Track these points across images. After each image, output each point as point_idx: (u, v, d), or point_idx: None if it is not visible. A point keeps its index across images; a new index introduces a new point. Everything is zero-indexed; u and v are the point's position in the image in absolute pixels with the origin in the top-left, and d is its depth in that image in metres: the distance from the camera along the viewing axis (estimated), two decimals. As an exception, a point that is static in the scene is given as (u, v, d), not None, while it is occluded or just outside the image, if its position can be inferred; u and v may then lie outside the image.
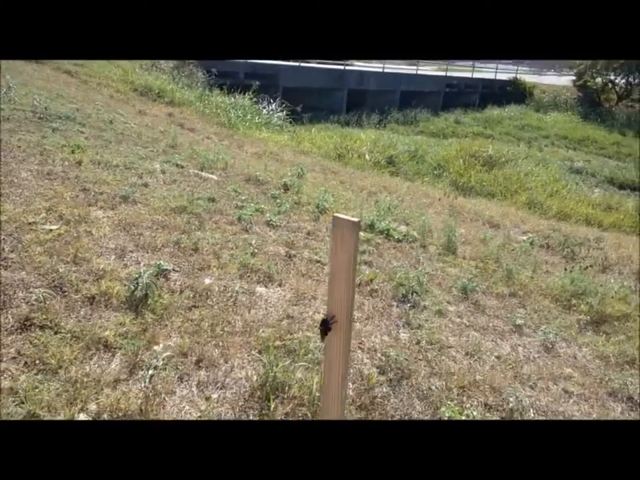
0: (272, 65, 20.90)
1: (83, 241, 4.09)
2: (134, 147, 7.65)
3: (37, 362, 2.73)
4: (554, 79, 33.80)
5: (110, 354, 2.95)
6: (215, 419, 2.61)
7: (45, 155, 6.00)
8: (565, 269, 5.94)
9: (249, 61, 20.33)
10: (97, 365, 2.82)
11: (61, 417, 2.38)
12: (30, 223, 4.18)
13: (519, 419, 3.22)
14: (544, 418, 3.29)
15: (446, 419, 3.00)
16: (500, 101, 27.42)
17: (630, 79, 28.54)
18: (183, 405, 2.69)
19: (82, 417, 2.42)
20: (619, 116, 26.17)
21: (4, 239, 3.84)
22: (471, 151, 15.37)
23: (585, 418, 3.29)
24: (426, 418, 2.99)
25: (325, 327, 1.56)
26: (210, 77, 17.42)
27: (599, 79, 28.54)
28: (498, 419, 3.15)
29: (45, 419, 2.34)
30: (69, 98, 10.43)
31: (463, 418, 2.98)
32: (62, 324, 3.06)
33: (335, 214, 1.46)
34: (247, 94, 16.89)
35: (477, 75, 30.38)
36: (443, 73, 28.38)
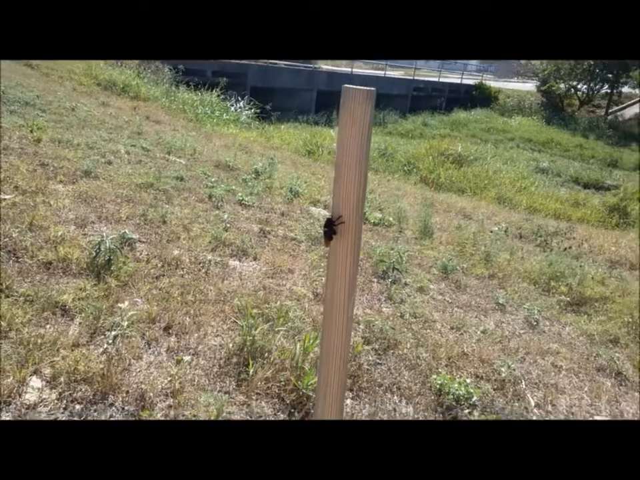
0: (240, 64, 20.61)
1: (39, 210, 3.76)
2: (97, 132, 7.29)
3: (-16, 324, 2.42)
4: (518, 85, 34.37)
5: (68, 318, 2.65)
6: (187, 384, 2.35)
7: (0, 132, 5.62)
8: (544, 251, 5.85)
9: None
10: (53, 329, 2.52)
11: (10, 379, 2.09)
12: (-19, 193, 3.84)
13: (516, 419, 3.05)
14: (544, 416, 3.13)
15: (442, 418, 2.80)
16: (466, 104, 27.67)
17: (591, 85, 29.21)
18: (150, 370, 2.41)
19: (35, 379, 2.13)
20: (581, 120, 26.64)
21: (-49, 206, 3.50)
22: (440, 149, 15.34)
23: (585, 418, 3.13)
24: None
25: (330, 228, 1.32)
26: (177, 73, 17.01)
27: (562, 85, 29.11)
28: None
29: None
30: (29, 87, 9.96)
31: (455, 385, 2.78)
32: (14, 287, 2.74)
33: (345, 85, 1.24)
34: (214, 91, 16.55)
35: (443, 80, 30.69)
36: (410, 77, 28.57)
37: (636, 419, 3.12)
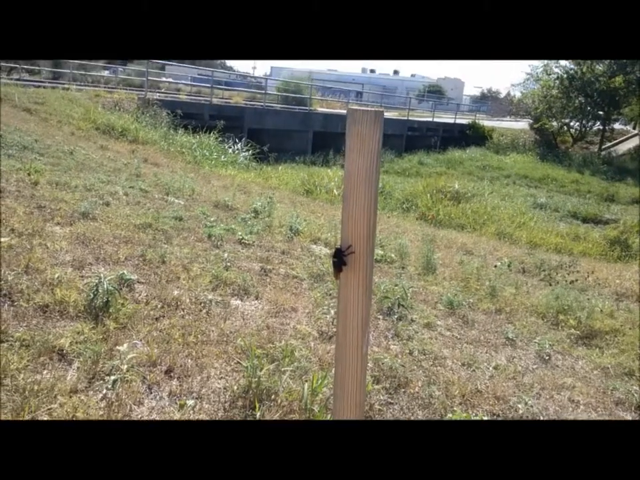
0: (238, 107, 20.88)
1: (36, 252, 3.67)
2: (95, 174, 7.26)
3: (-23, 371, 2.30)
4: (511, 123, 34.87)
5: (66, 363, 2.53)
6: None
7: (-3, 175, 5.58)
8: (550, 284, 5.76)
9: (214, 102, 20.31)
10: (50, 375, 2.40)
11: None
12: (-24, 236, 3.76)
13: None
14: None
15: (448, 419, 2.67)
16: (460, 143, 27.98)
17: (583, 122, 29.66)
18: (152, 415, 2.28)
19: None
20: (575, 157, 26.89)
21: (-55, 249, 3.41)
22: (438, 186, 15.38)
23: (585, 418, 3.01)
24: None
25: (339, 259, 1.23)
26: (175, 117, 17.20)
27: (554, 122, 29.53)
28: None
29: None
30: (27, 132, 10.00)
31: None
32: (9, 332, 2.63)
33: (351, 106, 1.18)
34: (212, 133, 16.70)
35: (437, 119, 31.13)
36: (404, 117, 28.97)
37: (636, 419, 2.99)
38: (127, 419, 2.21)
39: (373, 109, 1.15)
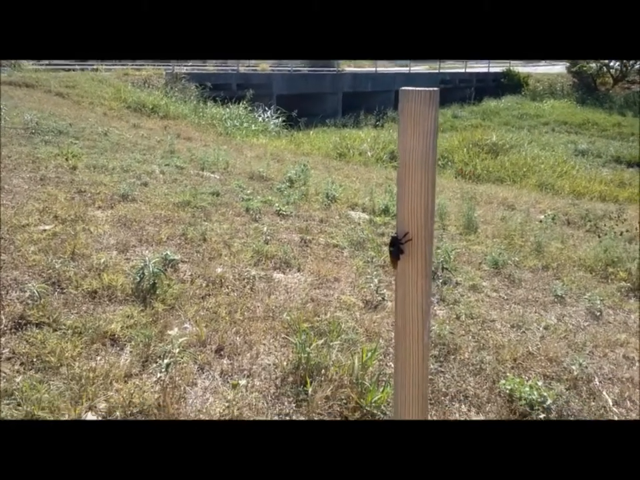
0: (265, 74, 20.66)
1: (80, 238, 3.74)
2: (130, 154, 7.32)
3: (35, 361, 2.36)
4: (547, 68, 33.46)
5: (118, 348, 2.59)
6: (246, 408, 2.24)
7: (37, 163, 5.67)
8: (598, 236, 5.57)
9: (241, 71, 20.13)
10: (104, 360, 2.46)
11: (66, 418, 2.02)
12: (23, 225, 3.84)
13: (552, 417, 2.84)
14: (577, 419, 2.92)
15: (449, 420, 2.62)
16: (495, 93, 27.12)
17: (624, 60, 28.24)
18: (206, 396, 2.32)
19: (90, 416, 2.06)
20: (617, 98, 25.79)
21: (-5, 241, 3.49)
22: (474, 139, 15.00)
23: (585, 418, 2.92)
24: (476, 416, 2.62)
25: (396, 247, 1.18)
26: (203, 89, 17.15)
27: (593, 64, 28.22)
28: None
29: (48, 419, 1.98)
30: (61, 116, 10.12)
31: (527, 389, 2.60)
32: (61, 320, 2.69)
33: (403, 87, 1.12)
34: (241, 103, 16.60)
35: (470, 70, 30.16)
36: (435, 70, 28.17)
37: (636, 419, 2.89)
38: (181, 401, 2.25)
39: (427, 89, 1.08)
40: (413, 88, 1.10)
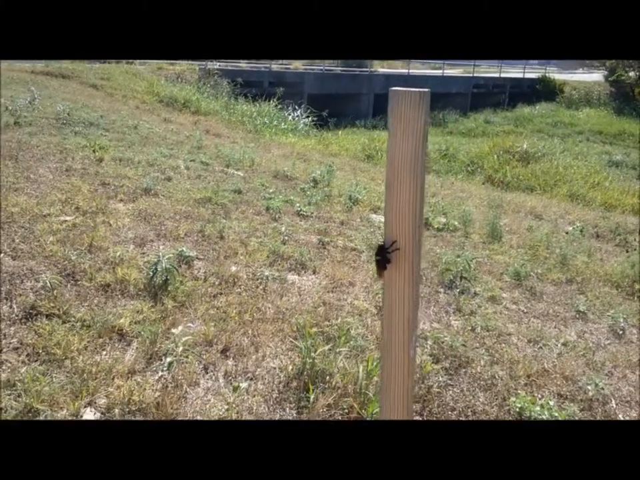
0: (297, 73, 20.68)
1: (99, 230, 3.76)
2: (158, 148, 7.38)
3: (41, 352, 2.38)
4: (584, 76, 32.76)
5: (125, 343, 2.59)
6: (245, 412, 2.21)
7: (64, 153, 5.75)
8: (626, 250, 5.41)
9: (273, 69, 20.19)
10: (109, 355, 2.46)
11: (64, 412, 2.02)
12: (44, 215, 3.89)
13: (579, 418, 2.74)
14: (587, 419, 2.81)
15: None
16: (529, 99, 26.64)
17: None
18: (207, 397, 2.30)
19: (89, 411, 2.05)
20: (656, 109, 25.13)
21: (15, 230, 3.54)
22: (505, 146, 14.74)
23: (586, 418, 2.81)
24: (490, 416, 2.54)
25: (382, 257, 1.14)
26: (235, 86, 17.25)
27: (631, 73, 27.52)
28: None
29: (47, 417, 1.98)
30: (93, 108, 10.28)
31: (537, 409, 2.52)
32: (71, 312, 2.71)
33: (393, 88, 1.08)
34: (272, 100, 16.64)
35: (504, 75, 29.73)
36: (469, 74, 27.84)
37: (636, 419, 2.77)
38: (181, 400, 2.23)
39: (417, 89, 1.04)
40: (403, 88, 1.05)
